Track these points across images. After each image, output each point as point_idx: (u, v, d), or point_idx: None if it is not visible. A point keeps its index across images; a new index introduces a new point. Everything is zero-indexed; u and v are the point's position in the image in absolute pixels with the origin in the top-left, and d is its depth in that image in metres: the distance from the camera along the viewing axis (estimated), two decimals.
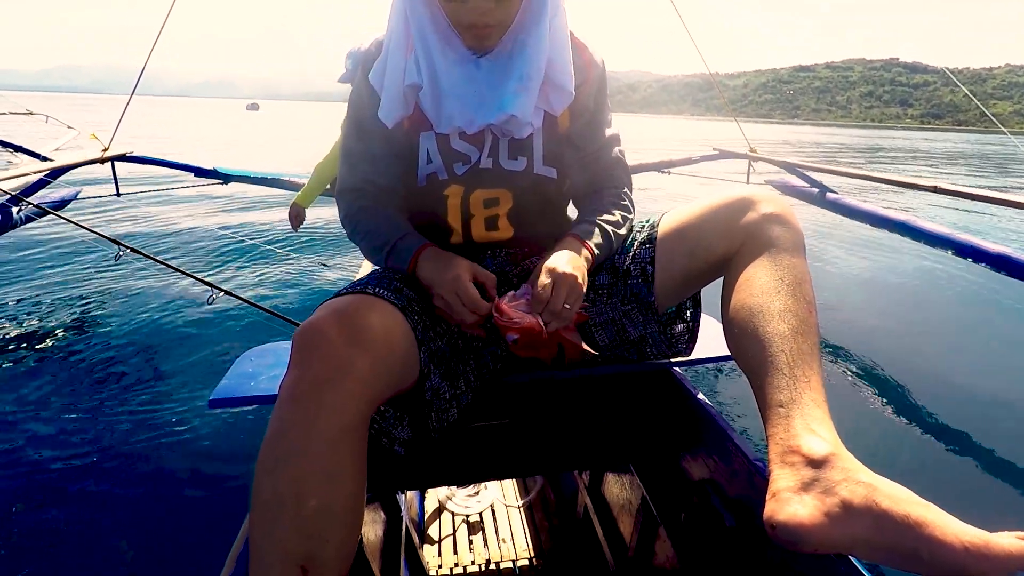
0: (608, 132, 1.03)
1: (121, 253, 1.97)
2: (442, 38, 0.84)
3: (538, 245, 1.00)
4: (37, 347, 2.79)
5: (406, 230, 0.93)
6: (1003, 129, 2.97)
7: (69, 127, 5.59)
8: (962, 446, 2.22)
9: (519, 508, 1.67)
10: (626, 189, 1.04)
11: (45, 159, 2.72)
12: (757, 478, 0.74)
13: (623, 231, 0.98)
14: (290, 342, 1.26)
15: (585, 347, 0.88)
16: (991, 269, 2.13)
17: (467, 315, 0.82)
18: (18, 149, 3.10)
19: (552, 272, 0.83)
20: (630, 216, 1.01)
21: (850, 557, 0.59)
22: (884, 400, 2.54)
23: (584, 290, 0.86)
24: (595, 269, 0.96)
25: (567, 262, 0.85)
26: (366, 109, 0.93)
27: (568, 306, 0.83)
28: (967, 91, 2.72)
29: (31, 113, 6.03)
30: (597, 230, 0.94)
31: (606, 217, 0.97)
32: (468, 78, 0.85)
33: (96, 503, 1.74)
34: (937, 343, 3.33)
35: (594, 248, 0.92)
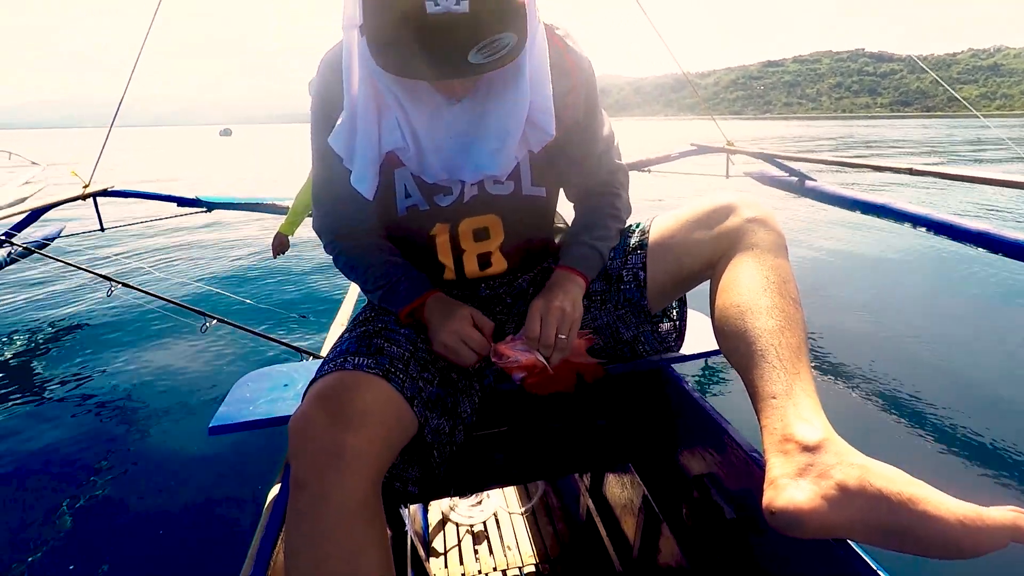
0: (604, 134, 0.99)
1: (113, 289, 1.96)
2: (410, 90, 0.77)
3: (530, 265, 1.02)
4: (33, 388, 2.74)
5: (402, 273, 0.92)
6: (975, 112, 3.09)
7: (33, 163, 5.57)
8: (950, 427, 2.25)
9: (522, 515, 1.68)
10: (623, 193, 1.03)
11: None
12: (754, 469, 0.75)
13: (615, 242, 0.98)
14: (286, 365, 1.27)
15: (599, 364, 0.93)
16: (969, 245, 2.19)
17: (470, 358, 0.85)
18: None
19: (539, 308, 0.85)
20: (623, 225, 1.01)
21: (849, 542, 0.59)
22: (871, 386, 2.58)
23: (579, 315, 0.87)
24: None
25: (555, 296, 0.87)
26: (329, 149, 0.86)
27: (563, 336, 0.85)
28: (935, 76, 2.79)
29: None
30: (589, 251, 0.94)
31: (600, 233, 0.96)
32: (445, 127, 0.79)
33: (97, 539, 1.71)
34: (919, 323, 3.39)
35: (587, 274, 0.93)
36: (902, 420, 2.32)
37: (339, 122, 0.81)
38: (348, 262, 0.96)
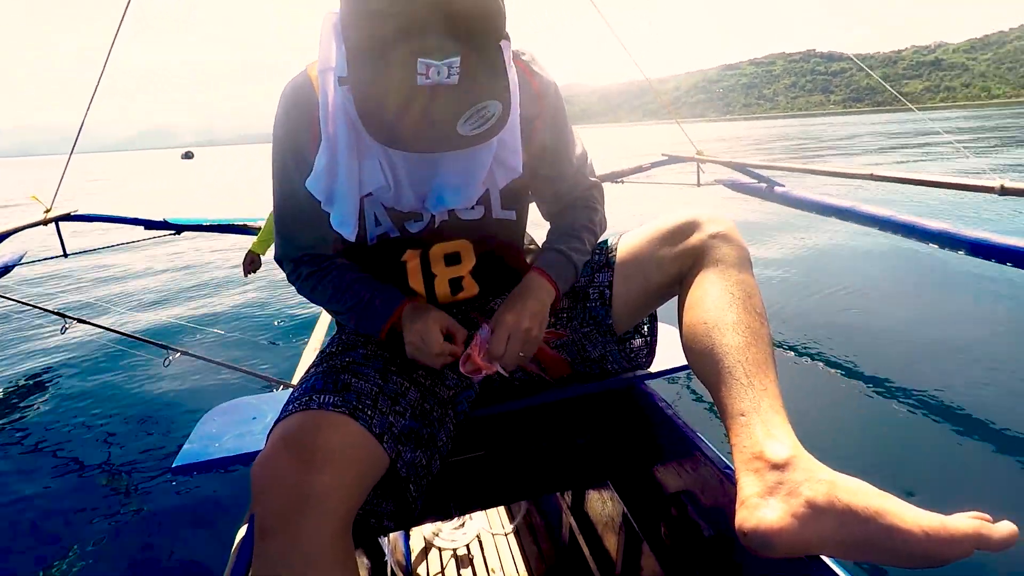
0: (576, 153, 1.00)
1: (67, 326, 1.89)
2: None
3: (502, 288, 1.02)
4: None
5: (372, 290, 0.91)
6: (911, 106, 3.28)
7: None
8: (910, 430, 2.25)
9: (506, 535, 1.67)
10: (600, 208, 1.04)
11: None
12: (728, 486, 0.76)
13: (588, 256, 0.99)
14: (255, 397, 1.24)
15: (561, 359, 0.97)
16: (935, 246, 2.24)
17: (435, 362, 0.86)
18: None
19: (506, 326, 0.86)
20: (598, 240, 1.02)
21: (822, 557, 0.60)
22: (836, 392, 2.59)
23: (541, 334, 0.89)
24: None
25: (524, 312, 0.87)
26: (293, 178, 0.86)
27: (523, 354, 0.87)
28: (876, 76, 2.91)
29: None
30: (564, 260, 0.94)
31: (575, 245, 0.96)
32: (416, 164, 0.80)
33: None
34: (883, 324, 3.45)
35: (561, 285, 0.93)
36: (869, 425, 2.33)
37: (317, 166, 0.80)
38: (314, 286, 0.95)
